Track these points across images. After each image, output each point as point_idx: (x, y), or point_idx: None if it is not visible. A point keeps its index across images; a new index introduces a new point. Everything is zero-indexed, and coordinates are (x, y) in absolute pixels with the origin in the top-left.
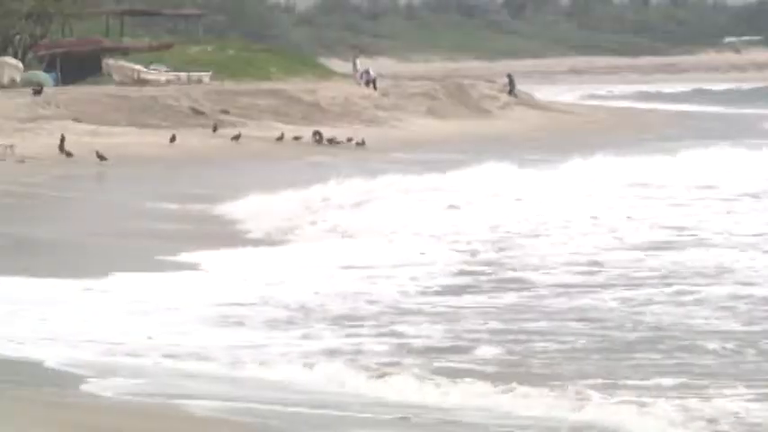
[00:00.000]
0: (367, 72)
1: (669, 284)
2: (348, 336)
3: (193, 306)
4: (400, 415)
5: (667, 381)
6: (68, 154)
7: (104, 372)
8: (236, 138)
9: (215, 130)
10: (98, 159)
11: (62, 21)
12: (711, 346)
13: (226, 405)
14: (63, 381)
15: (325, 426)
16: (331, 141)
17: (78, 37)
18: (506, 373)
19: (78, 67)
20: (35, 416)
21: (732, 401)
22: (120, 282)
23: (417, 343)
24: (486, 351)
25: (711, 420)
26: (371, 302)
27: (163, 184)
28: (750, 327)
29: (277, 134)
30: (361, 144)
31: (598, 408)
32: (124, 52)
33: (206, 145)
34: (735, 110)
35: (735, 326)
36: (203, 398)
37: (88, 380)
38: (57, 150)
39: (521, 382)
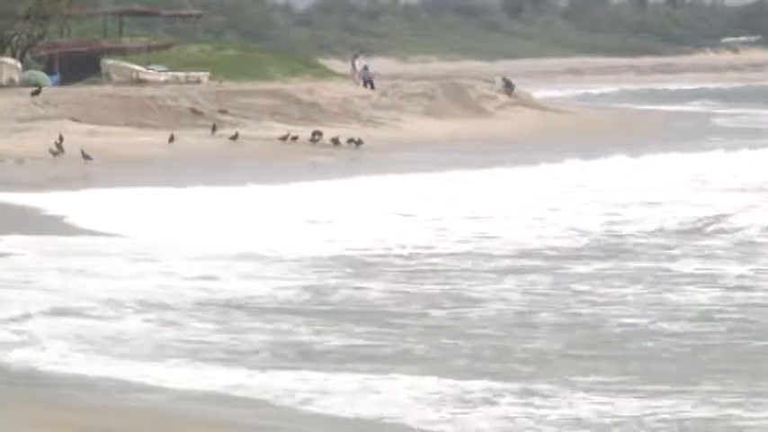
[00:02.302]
0: (365, 69)
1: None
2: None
3: None
4: None
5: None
6: (55, 153)
7: None
8: (234, 138)
9: (214, 130)
10: (83, 159)
11: (60, 21)
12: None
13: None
14: (58, 381)
15: None
16: (332, 142)
17: (77, 37)
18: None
19: (77, 67)
20: (27, 415)
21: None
22: None
23: None
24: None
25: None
26: None
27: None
28: None
29: (277, 134)
30: (359, 143)
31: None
32: (122, 52)
33: (204, 145)
34: (736, 110)
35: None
36: None
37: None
38: (54, 150)
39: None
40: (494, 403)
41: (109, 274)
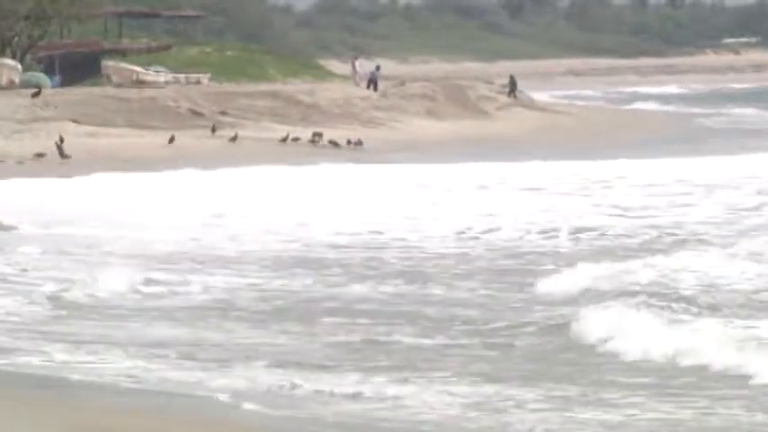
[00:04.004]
0: (376, 69)
1: None
2: None
3: None
4: None
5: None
6: (40, 155)
7: None
8: (234, 139)
9: (214, 131)
10: (60, 158)
11: (61, 22)
12: None
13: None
14: (59, 381)
15: None
16: (330, 143)
17: (77, 38)
18: None
19: (77, 68)
20: (27, 415)
21: None
22: None
23: None
24: None
25: None
26: None
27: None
28: None
29: (277, 135)
30: (358, 144)
31: None
32: (123, 54)
33: (204, 146)
34: (738, 110)
35: None
36: None
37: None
38: (39, 153)
39: None
40: None
41: None
